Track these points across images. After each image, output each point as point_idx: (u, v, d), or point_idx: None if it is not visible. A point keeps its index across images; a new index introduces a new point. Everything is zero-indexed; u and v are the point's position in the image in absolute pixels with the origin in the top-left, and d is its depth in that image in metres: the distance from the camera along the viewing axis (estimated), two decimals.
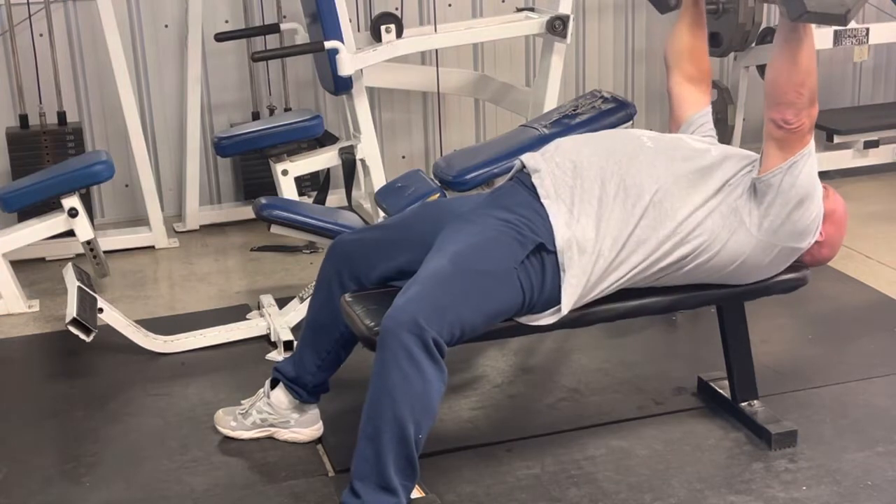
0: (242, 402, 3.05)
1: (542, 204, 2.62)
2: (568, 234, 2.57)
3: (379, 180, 4.26)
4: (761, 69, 5.26)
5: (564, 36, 4.43)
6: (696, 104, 2.97)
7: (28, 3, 4.62)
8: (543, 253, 2.56)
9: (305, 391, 2.92)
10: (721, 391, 3.08)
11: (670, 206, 2.60)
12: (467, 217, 2.67)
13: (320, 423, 2.99)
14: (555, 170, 2.66)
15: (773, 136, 2.60)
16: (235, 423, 3.00)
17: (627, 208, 2.59)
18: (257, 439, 2.98)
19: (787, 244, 2.69)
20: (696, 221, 2.62)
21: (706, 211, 2.63)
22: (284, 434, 2.97)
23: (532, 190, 2.66)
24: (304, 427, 2.96)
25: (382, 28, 4.35)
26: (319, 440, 2.98)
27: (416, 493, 2.52)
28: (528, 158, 2.75)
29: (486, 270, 2.50)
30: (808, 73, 2.54)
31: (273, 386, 2.96)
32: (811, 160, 2.63)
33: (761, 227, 2.65)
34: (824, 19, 2.44)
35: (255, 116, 5.05)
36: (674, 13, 3.06)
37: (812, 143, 2.63)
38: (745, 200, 2.65)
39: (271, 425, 2.97)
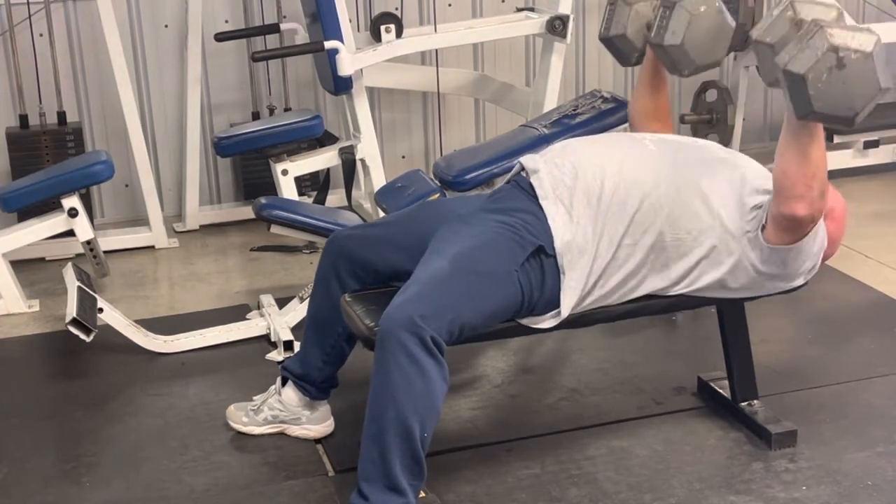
0: (254, 398, 3.05)
1: (540, 206, 2.61)
2: (567, 237, 2.57)
3: (379, 180, 4.26)
4: None
5: (564, 36, 4.43)
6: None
7: (28, 3, 4.62)
8: (542, 256, 2.56)
9: (314, 387, 2.92)
10: (721, 391, 3.08)
11: (670, 212, 2.59)
12: (465, 218, 2.67)
13: (331, 419, 2.99)
14: (553, 170, 2.66)
15: (781, 226, 2.55)
16: (247, 418, 3.01)
17: (625, 210, 2.59)
18: (260, 437, 2.98)
19: (780, 284, 2.72)
20: (695, 232, 2.61)
21: (706, 226, 2.61)
22: (296, 431, 2.98)
23: (530, 192, 2.66)
24: (315, 424, 2.97)
25: (382, 28, 4.35)
26: (319, 440, 2.98)
27: None
28: (527, 160, 2.75)
29: (485, 272, 2.50)
30: (818, 166, 2.47)
31: (283, 383, 2.96)
32: (821, 231, 2.63)
33: (757, 269, 2.64)
34: (832, 120, 2.34)
35: (255, 116, 5.04)
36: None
37: (821, 222, 2.60)
38: (745, 243, 2.61)
39: (282, 422, 2.98)
